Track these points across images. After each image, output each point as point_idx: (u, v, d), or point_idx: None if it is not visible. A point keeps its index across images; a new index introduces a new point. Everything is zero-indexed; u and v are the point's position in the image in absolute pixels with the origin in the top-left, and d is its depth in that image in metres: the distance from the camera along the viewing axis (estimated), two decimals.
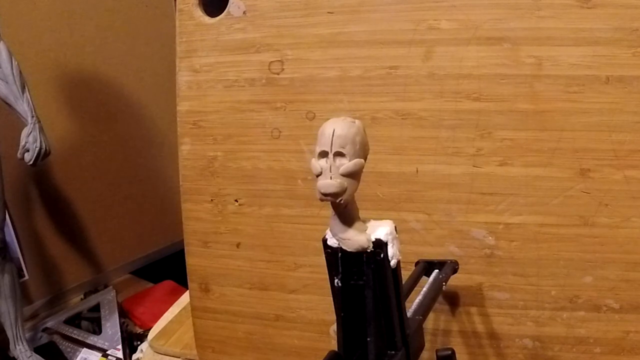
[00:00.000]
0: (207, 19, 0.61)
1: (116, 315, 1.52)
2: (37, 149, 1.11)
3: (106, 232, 1.77)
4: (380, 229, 0.33)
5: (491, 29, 0.52)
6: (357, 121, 0.30)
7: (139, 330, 1.48)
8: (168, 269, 1.71)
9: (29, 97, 1.12)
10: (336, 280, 0.35)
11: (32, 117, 1.11)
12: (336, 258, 0.34)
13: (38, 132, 1.11)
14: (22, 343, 1.26)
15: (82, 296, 1.68)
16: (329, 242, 0.34)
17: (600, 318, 0.53)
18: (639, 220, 0.51)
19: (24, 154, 1.12)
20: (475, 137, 0.54)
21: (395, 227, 0.34)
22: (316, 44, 0.57)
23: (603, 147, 0.50)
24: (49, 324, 1.51)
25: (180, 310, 0.79)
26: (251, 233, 0.63)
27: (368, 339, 0.34)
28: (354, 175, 0.30)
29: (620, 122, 0.50)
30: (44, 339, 1.44)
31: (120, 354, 1.38)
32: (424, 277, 0.52)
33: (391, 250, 0.33)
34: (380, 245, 0.33)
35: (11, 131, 1.24)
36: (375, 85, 0.56)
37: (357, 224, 0.33)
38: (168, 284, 1.65)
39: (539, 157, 0.52)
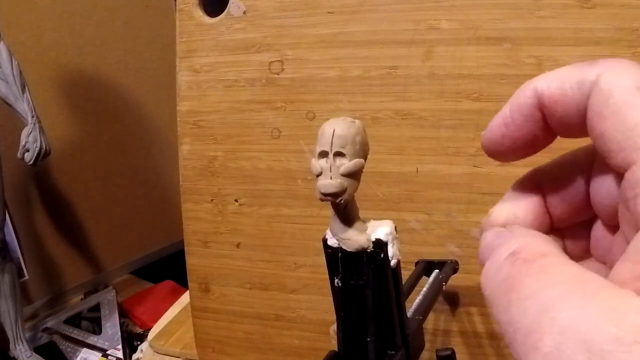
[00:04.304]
0: (207, 19, 0.61)
1: (116, 315, 1.52)
2: (37, 149, 1.11)
3: (106, 232, 1.77)
4: (380, 229, 0.33)
5: (491, 29, 0.52)
6: (357, 121, 0.30)
7: (139, 330, 1.48)
8: (168, 269, 1.71)
9: (29, 97, 1.12)
10: (336, 280, 0.35)
11: (32, 117, 1.11)
12: (336, 258, 0.34)
13: (38, 132, 1.11)
14: (22, 343, 1.26)
15: (82, 296, 1.69)
16: (329, 242, 0.34)
17: None
18: None
19: (24, 154, 1.12)
20: (476, 137, 0.54)
21: (395, 227, 0.34)
22: (316, 44, 0.57)
23: None
24: (49, 324, 1.51)
25: (180, 310, 0.79)
26: (251, 233, 0.63)
27: (368, 339, 0.34)
28: (354, 175, 0.30)
29: None
30: (44, 339, 1.44)
31: (120, 354, 1.38)
32: (424, 277, 0.52)
33: (391, 250, 0.33)
34: (380, 245, 0.33)
35: (11, 131, 1.24)
36: (375, 85, 0.56)
37: (357, 224, 0.33)
38: (168, 284, 1.65)
39: (539, 157, 0.52)
